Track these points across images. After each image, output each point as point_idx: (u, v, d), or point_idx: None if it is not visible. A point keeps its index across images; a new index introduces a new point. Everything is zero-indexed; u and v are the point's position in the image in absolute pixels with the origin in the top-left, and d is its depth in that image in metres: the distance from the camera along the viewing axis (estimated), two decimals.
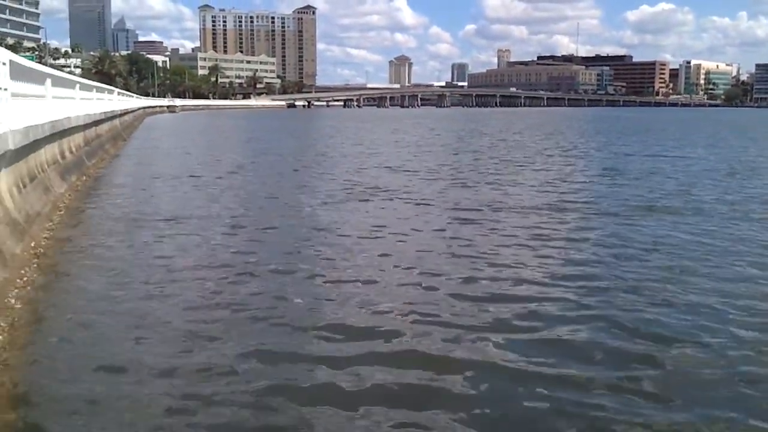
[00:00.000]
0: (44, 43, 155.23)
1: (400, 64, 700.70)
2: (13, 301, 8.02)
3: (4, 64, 11.29)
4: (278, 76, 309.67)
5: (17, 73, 12.98)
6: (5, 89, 11.32)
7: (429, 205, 16.92)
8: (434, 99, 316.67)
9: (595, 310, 8.30)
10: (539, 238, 12.61)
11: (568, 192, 19.44)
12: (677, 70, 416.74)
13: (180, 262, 10.68)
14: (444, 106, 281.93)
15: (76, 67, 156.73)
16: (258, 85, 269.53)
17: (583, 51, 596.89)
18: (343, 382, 6.12)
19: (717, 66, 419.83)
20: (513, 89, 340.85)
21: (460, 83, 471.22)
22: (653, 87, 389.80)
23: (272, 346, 6.99)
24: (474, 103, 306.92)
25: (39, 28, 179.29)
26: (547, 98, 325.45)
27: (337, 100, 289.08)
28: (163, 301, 8.56)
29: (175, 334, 7.37)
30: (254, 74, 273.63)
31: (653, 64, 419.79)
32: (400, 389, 6.04)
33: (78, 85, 26.94)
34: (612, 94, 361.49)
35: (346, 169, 25.77)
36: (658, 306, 8.40)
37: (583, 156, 33.97)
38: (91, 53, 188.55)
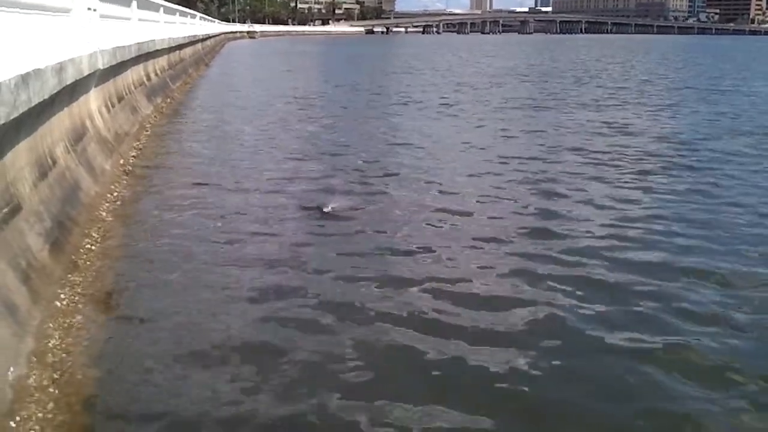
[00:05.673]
0: None
1: None
2: (104, 214, 8.40)
3: None
4: (357, 2, 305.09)
5: None
6: (94, 10, 11.60)
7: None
8: (516, 25, 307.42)
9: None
10: None
11: None
12: None
13: (264, 183, 10.94)
14: (526, 33, 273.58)
15: None
16: (337, 11, 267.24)
17: None
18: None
19: None
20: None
21: (544, 9, 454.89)
22: (749, 14, 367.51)
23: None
24: (558, 30, 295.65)
25: None
26: (635, 25, 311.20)
27: (416, 26, 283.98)
28: (245, 213, 8.89)
29: (264, 245, 7.69)
30: (333, 0, 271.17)
31: None
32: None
33: (162, 9, 27.24)
34: (704, 22, 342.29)
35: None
36: None
37: None
38: None
